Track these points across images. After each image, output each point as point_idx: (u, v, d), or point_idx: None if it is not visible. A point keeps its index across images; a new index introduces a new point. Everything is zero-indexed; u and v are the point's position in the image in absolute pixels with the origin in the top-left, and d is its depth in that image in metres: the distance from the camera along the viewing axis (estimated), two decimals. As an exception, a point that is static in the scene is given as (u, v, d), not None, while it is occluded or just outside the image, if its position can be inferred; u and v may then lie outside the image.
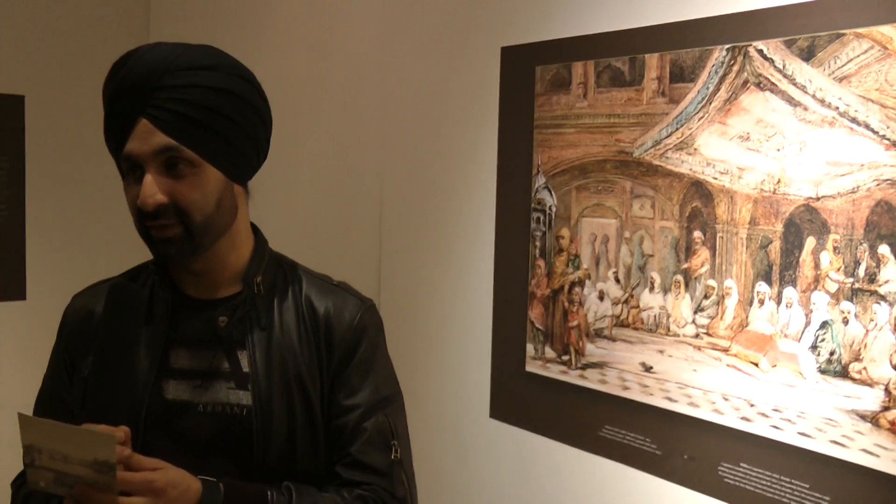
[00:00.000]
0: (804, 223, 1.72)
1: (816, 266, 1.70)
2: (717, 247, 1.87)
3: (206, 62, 1.39)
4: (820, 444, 1.70)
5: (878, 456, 1.62)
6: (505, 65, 2.35)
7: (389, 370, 1.57)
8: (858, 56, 1.62)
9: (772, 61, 1.75)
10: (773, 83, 1.75)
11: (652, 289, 2.00)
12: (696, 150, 1.90)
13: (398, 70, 2.75)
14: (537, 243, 2.26)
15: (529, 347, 2.29)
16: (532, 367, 2.29)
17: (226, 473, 1.39)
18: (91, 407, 1.40)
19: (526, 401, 2.32)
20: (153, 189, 1.34)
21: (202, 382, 1.44)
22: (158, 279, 1.49)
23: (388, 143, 2.79)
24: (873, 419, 1.63)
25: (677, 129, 1.93)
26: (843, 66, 1.65)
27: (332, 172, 2.99)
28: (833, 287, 1.68)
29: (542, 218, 2.25)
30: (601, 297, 2.11)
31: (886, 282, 1.60)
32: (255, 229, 1.56)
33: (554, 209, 2.22)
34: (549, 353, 2.24)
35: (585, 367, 2.15)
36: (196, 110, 1.36)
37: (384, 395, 1.51)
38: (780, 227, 1.76)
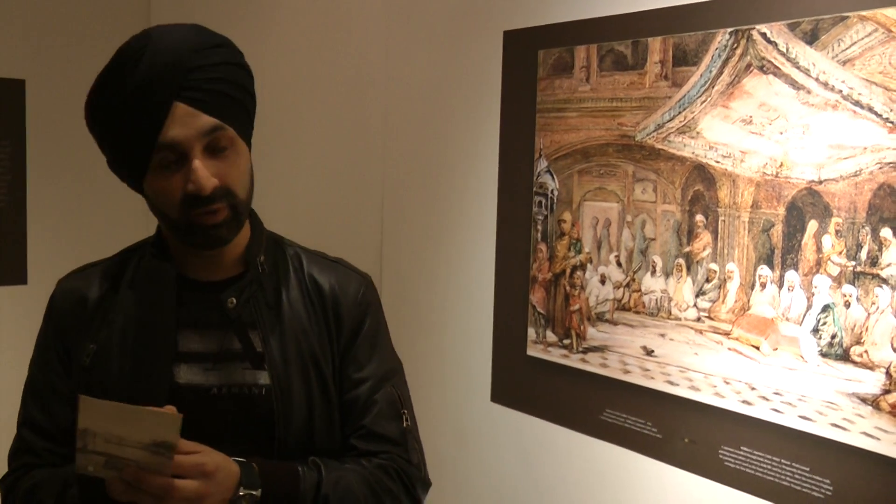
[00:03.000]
0: (806, 206, 1.72)
1: (818, 249, 1.70)
2: (719, 230, 1.87)
3: (217, 40, 1.38)
4: (820, 428, 1.71)
5: (878, 439, 1.62)
6: (507, 49, 2.35)
7: (390, 343, 1.60)
8: (862, 39, 1.62)
9: (775, 44, 1.75)
10: (776, 66, 1.75)
11: (654, 272, 2.01)
12: (698, 133, 1.89)
13: (401, 54, 2.74)
14: (539, 227, 2.26)
15: (531, 331, 2.30)
16: (533, 350, 2.29)
17: (244, 453, 1.37)
18: (99, 396, 1.39)
19: (527, 385, 2.32)
20: (207, 172, 1.31)
21: (213, 365, 1.42)
22: (160, 262, 1.46)
23: (391, 128, 2.79)
24: (874, 402, 1.63)
25: (680, 113, 1.92)
26: (846, 48, 1.64)
27: (334, 158, 2.99)
28: (835, 270, 1.68)
29: (543, 202, 2.24)
30: (603, 280, 2.11)
31: (888, 265, 1.60)
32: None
33: (556, 193, 2.21)
34: (551, 336, 2.24)
35: (587, 350, 2.16)
36: (229, 87, 1.35)
37: (390, 367, 1.54)
38: (782, 211, 1.76)
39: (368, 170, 2.87)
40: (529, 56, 2.27)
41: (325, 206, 3.01)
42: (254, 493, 1.31)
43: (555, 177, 2.21)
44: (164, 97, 1.31)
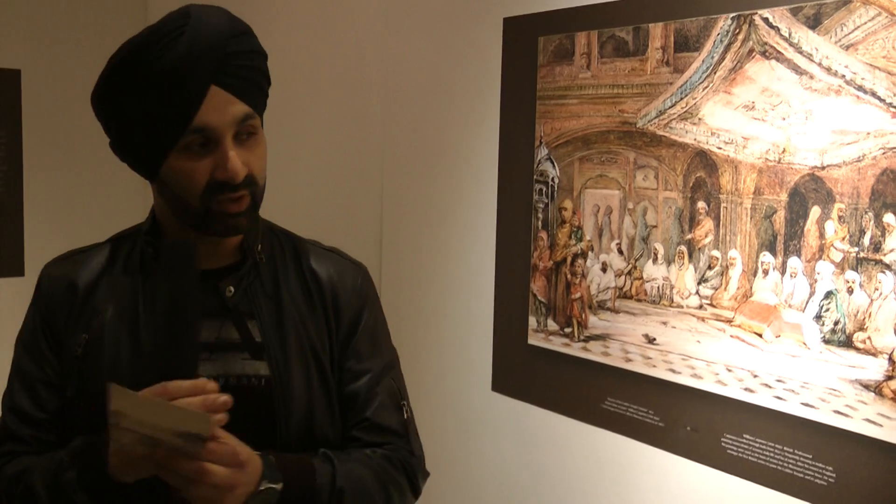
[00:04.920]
0: (809, 192, 1.71)
1: (821, 235, 1.70)
2: (722, 217, 1.86)
3: (244, 26, 1.37)
4: (823, 415, 1.70)
5: (881, 425, 1.62)
6: (507, 36, 2.34)
7: (388, 334, 1.59)
8: (865, 23, 1.61)
9: (777, 29, 1.74)
10: (778, 52, 1.74)
11: (655, 260, 2.00)
12: (700, 119, 1.88)
13: (400, 42, 2.73)
14: (540, 215, 2.25)
15: (532, 320, 2.29)
16: (534, 339, 2.28)
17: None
18: (94, 386, 1.36)
19: (528, 374, 2.31)
20: (239, 161, 1.31)
21: (210, 355, 1.40)
22: (153, 249, 1.42)
23: (391, 116, 2.78)
24: (877, 389, 1.62)
25: (682, 99, 1.91)
26: (849, 33, 1.63)
27: (334, 145, 2.98)
28: (838, 256, 1.67)
29: (544, 189, 2.23)
30: (604, 268, 2.11)
31: (891, 251, 1.60)
32: None
33: (557, 181, 2.20)
34: (552, 325, 2.24)
35: (588, 339, 2.15)
36: (258, 75, 1.35)
37: (389, 359, 1.54)
38: (784, 197, 1.75)
39: (368, 159, 2.86)
40: (530, 43, 2.25)
41: (325, 195, 3.00)
42: (275, 486, 1.30)
43: (555, 164, 2.20)
44: (203, 80, 1.28)
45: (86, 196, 3.51)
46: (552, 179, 2.21)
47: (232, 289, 1.42)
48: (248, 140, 1.34)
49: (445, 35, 2.56)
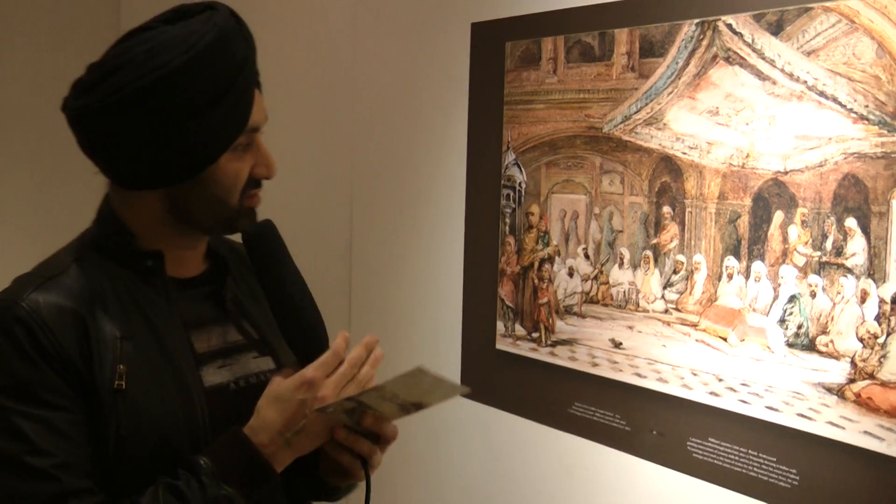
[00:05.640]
0: (772, 197, 1.72)
1: (785, 240, 1.71)
2: (687, 222, 1.87)
3: None
4: (787, 418, 1.71)
5: (843, 428, 1.63)
6: (475, 41, 2.34)
7: None
8: (826, 30, 1.62)
9: (741, 35, 1.75)
10: (742, 57, 1.75)
11: (621, 265, 2.00)
12: (665, 125, 1.89)
13: (369, 47, 2.73)
14: (507, 220, 2.25)
15: (499, 325, 2.29)
16: (502, 344, 2.28)
17: None
18: (147, 415, 1.27)
19: (496, 379, 2.31)
20: None
21: (223, 361, 1.38)
22: (154, 262, 1.34)
23: (359, 121, 2.77)
24: (839, 392, 1.64)
25: (647, 105, 1.92)
26: (811, 39, 1.65)
27: (302, 152, 2.97)
28: (801, 261, 1.68)
29: (511, 194, 2.24)
30: (571, 273, 2.11)
31: (853, 255, 1.61)
32: None
33: (524, 186, 2.21)
34: (520, 330, 2.24)
35: (555, 344, 2.15)
36: None
37: None
38: (748, 202, 1.76)
39: (337, 163, 2.85)
40: (497, 48, 2.26)
41: (293, 200, 2.98)
42: None
43: (522, 169, 2.21)
44: (255, 80, 1.36)
45: (50, 206, 3.46)
46: (519, 184, 2.22)
47: (229, 292, 1.44)
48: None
49: (414, 40, 2.56)
